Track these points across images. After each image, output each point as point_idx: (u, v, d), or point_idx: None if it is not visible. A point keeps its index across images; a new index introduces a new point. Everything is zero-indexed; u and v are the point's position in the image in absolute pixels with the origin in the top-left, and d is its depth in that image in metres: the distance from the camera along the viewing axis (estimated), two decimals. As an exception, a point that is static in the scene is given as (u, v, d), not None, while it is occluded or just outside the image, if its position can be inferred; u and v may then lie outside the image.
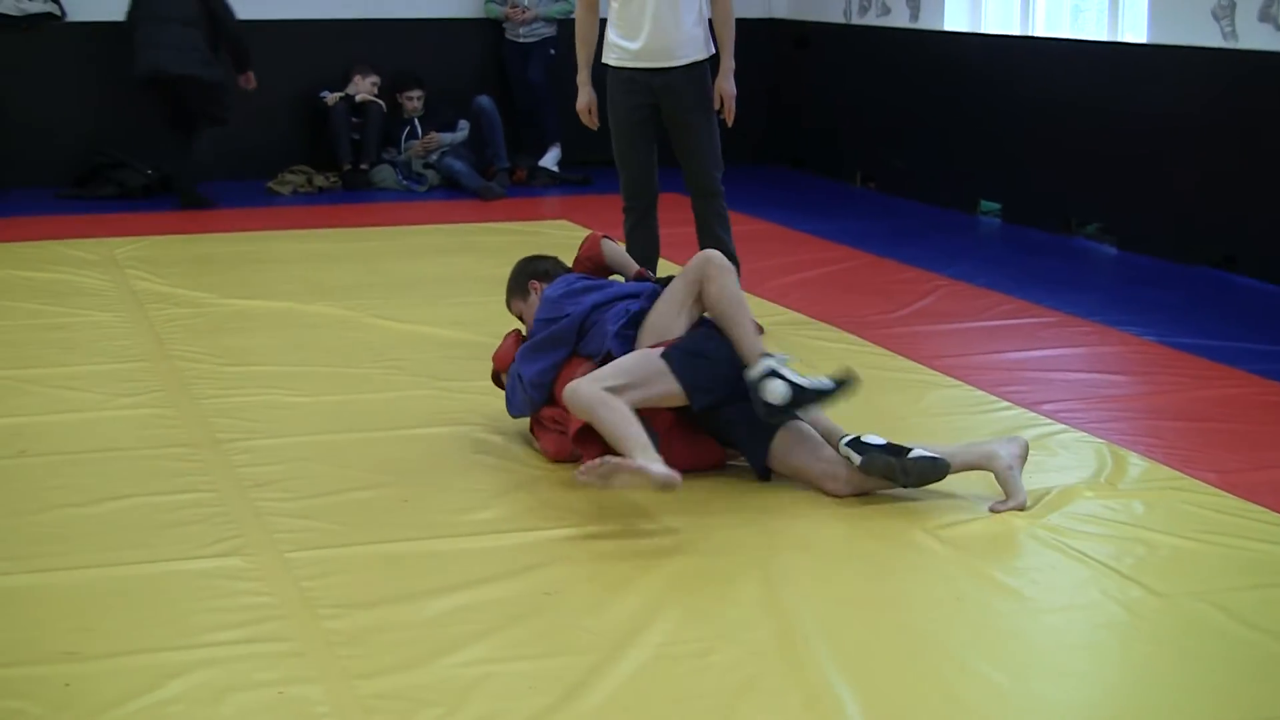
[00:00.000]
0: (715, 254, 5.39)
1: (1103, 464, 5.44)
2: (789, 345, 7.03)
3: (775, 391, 4.99)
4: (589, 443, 5.13)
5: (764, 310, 7.81)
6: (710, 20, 7.11)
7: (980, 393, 6.33)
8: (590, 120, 7.26)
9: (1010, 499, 4.97)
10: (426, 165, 12.32)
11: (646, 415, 5.03)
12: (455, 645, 4.01)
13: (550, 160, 12.67)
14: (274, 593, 4.34)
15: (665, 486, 4.75)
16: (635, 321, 5.40)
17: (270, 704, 3.71)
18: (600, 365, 5.24)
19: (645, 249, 7.17)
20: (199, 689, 3.77)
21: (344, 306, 7.91)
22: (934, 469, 4.98)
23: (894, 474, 4.98)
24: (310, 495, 5.13)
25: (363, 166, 12.30)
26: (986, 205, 10.97)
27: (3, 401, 6.22)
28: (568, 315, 5.49)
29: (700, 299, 5.32)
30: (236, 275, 8.78)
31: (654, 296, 5.46)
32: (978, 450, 5.06)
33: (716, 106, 7.12)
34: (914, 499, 5.06)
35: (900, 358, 6.88)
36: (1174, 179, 9.27)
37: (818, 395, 5.03)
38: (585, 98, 7.22)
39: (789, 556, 4.66)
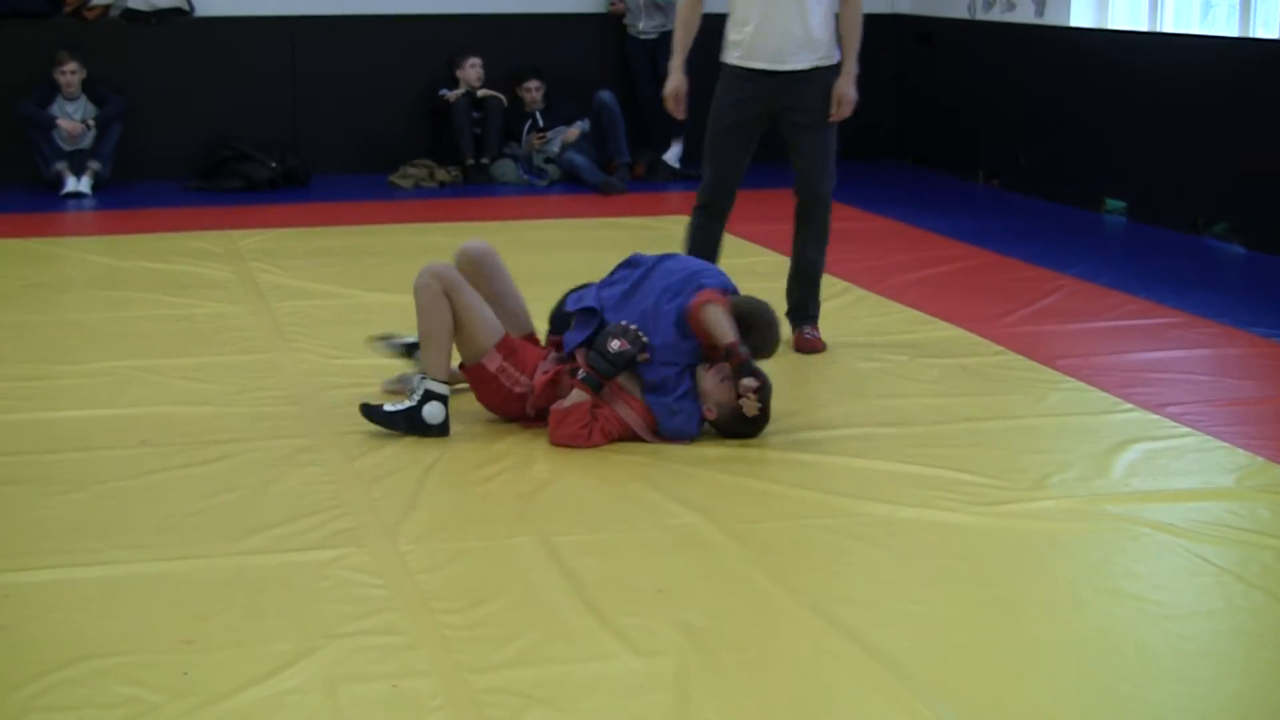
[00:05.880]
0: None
1: (1227, 469, 5.35)
2: (906, 345, 6.99)
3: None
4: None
5: (883, 308, 7.76)
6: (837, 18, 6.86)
7: (1103, 394, 6.24)
8: (675, 108, 6.97)
9: None
10: (547, 160, 12.35)
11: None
12: (567, 641, 4.02)
13: (672, 156, 12.65)
14: (389, 585, 4.36)
15: None
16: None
17: (383, 696, 3.73)
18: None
19: (707, 252, 6.97)
20: (314, 680, 3.80)
21: (463, 300, 7.93)
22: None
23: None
24: (427, 489, 5.15)
25: (484, 161, 12.36)
26: (1112, 204, 10.82)
27: (126, 391, 6.29)
28: None
29: None
30: (358, 268, 8.83)
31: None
32: None
33: (834, 109, 6.81)
34: (1031, 502, 5.01)
35: (1022, 357, 6.79)
36: (1305, 178, 9.12)
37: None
38: (675, 82, 6.95)
39: (901, 562, 4.62)
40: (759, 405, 5.49)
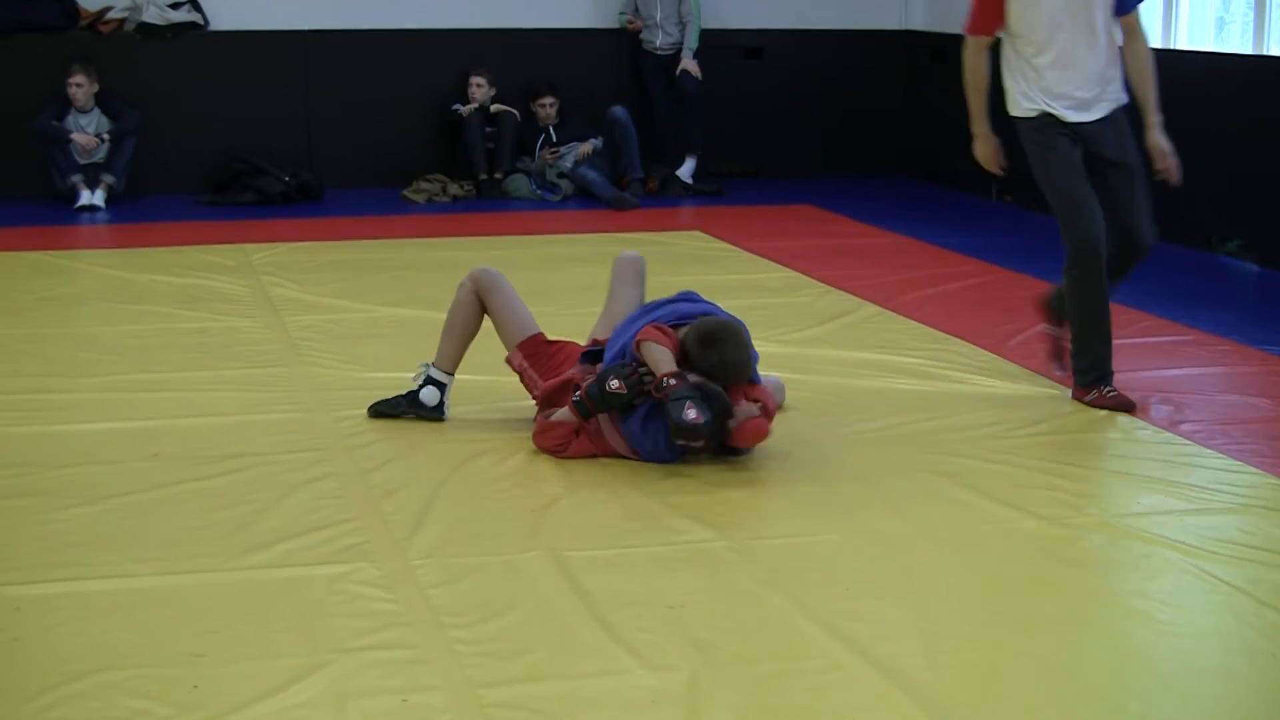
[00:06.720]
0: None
1: (1239, 486, 5.34)
2: (917, 361, 6.99)
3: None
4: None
5: (895, 324, 7.76)
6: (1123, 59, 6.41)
7: (1115, 411, 6.23)
8: (995, 166, 6.72)
9: None
10: (560, 175, 12.36)
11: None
12: (578, 656, 4.02)
13: (686, 171, 12.66)
14: (400, 600, 4.36)
15: None
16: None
17: (393, 711, 3.73)
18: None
19: (1101, 309, 6.36)
20: (324, 695, 3.80)
21: (476, 315, 7.93)
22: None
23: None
24: (438, 503, 5.16)
25: (497, 176, 12.38)
26: (1125, 220, 10.80)
27: (138, 405, 6.30)
28: None
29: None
30: (371, 282, 8.85)
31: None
32: None
33: (1158, 165, 6.44)
34: (1040, 517, 5.00)
35: (1033, 374, 6.79)
36: (1319, 196, 9.10)
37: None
38: (987, 147, 6.67)
39: (911, 578, 4.61)
40: (681, 443, 5.41)
